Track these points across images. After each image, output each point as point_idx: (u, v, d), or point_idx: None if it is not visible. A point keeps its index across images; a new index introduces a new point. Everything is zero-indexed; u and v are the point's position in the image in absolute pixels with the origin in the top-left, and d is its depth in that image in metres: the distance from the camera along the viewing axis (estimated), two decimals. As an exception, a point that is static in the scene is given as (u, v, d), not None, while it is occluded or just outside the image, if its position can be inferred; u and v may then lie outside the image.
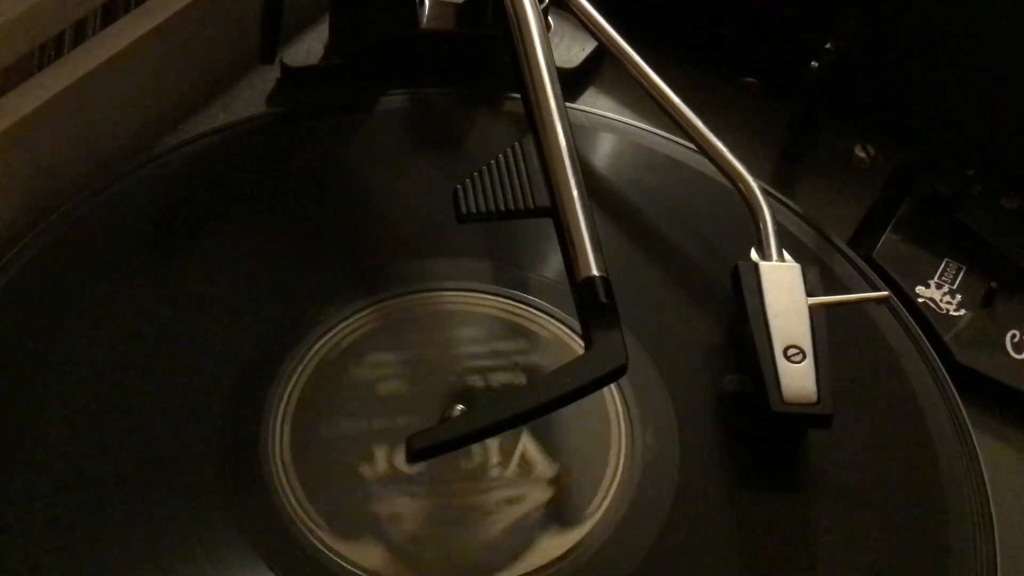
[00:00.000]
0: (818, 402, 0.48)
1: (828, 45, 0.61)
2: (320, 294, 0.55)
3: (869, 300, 0.54)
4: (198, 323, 0.53)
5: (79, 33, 0.62)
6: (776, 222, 0.55)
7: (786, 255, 0.54)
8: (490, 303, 0.55)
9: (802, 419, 0.49)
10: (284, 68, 0.67)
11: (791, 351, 0.49)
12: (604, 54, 0.67)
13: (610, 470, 0.49)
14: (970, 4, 0.62)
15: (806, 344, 0.50)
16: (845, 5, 0.61)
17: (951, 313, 0.57)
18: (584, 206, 0.49)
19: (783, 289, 0.52)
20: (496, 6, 0.57)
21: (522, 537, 0.47)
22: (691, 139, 0.59)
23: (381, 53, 0.67)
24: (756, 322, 0.51)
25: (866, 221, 0.62)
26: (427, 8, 0.68)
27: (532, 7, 0.55)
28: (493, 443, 0.50)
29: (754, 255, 0.54)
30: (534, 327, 0.55)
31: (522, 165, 0.50)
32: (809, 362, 0.49)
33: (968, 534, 0.48)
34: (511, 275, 0.56)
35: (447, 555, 0.47)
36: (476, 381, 0.52)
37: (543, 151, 0.50)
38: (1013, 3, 0.60)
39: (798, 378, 0.49)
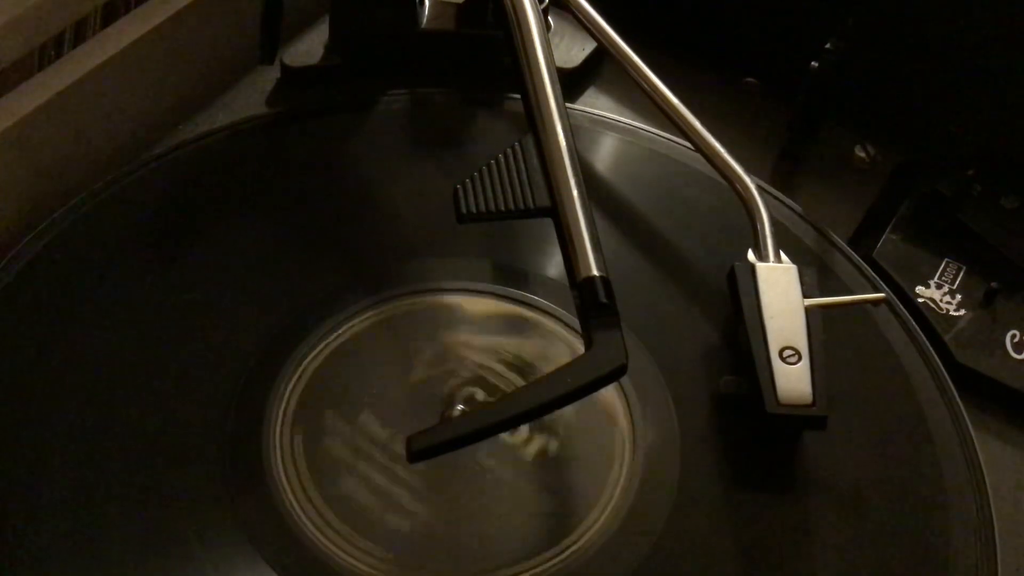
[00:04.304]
0: (813, 404, 0.48)
1: (828, 45, 0.61)
2: (320, 294, 0.55)
3: (865, 302, 0.53)
4: (198, 324, 0.53)
5: (79, 33, 0.62)
6: (773, 223, 0.55)
7: (783, 256, 0.54)
8: (490, 303, 0.55)
9: (797, 421, 0.49)
10: (284, 68, 0.67)
11: (787, 353, 0.49)
12: (604, 54, 0.67)
13: (610, 470, 0.49)
14: (970, 4, 0.62)
15: (802, 346, 0.50)
16: (845, 5, 0.61)
17: (951, 313, 0.57)
18: (584, 206, 0.49)
19: (779, 290, 0.52)
20: (496, 6, 0.57)
21: (523, 537, 0.47)
22: (689, 139, 0.59)
23: (381, 53, 0.67)
24: (752, 323, 0.51)
25: (866, 221, 0.62)
26: (427, 8, 0.68)
27: (532, 7, 0.55)
28: (493, 443, 0.50)
29: (751, 256, 0.54)
30: (534, 327, 0.55)
31: (522, 165, 0.50)
32: (804, 364, 0.49)
33: (968, 534, 0.48)
34: (511, 275, 0.56)
35: (447, 554, 0.47)
36: (476, 381, 0.52)
37: (543, 151, 0.50)
38: (1013, 3, 0.60)
39: (793, 380, 0.49)
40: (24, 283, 0.54)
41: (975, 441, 0.51)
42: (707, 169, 0.59)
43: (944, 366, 0.54)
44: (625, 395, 0.52)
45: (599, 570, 0.47)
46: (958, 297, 0.58)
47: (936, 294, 0.58)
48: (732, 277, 0.53)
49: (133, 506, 0.47)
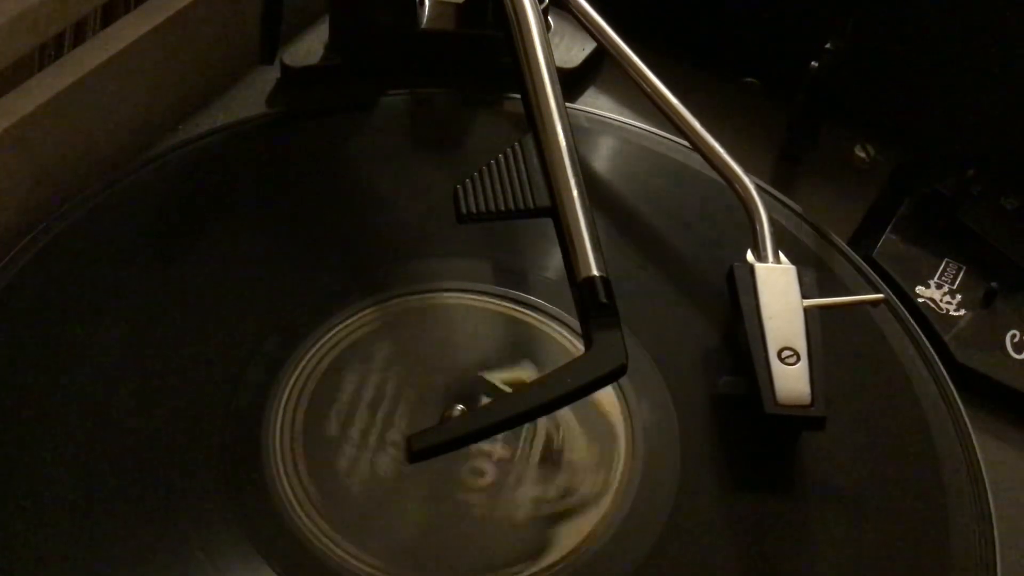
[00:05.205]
0: (811, 404, 0.48)
1: (828, 45, 0.61)
2: (320, 294, 0.55)
3: (864, 303, 0.53)
4: (198, 323, 0.53)
5: (79, 33, 0.62)
6: (772, 223, 0.55)
7: (782, 257, 0.54)
8: (490, 303, 0.55)
9: (795, 421, 0.49)
10: (284, 68, 0.67)
11: (785, 353, 0.49)
12: (604, 54, 0.67)
13: (609, 470, 0.49)
14: (970, 4, 0.62)
15: (800, 346, 0.50)
16: (845, 5, 0.61)
17: (951, 313, 0.57)
18: (584, 206, 0.49)
19: (778, 291, 0.52)
20: (496, 6, 0.57)
21: (523, 537, 0.47)
22: (688, 140, 0.59)
23: (381, 53, 0.67)
24: (751, 324, 0.51)
25: (866, 221, 0.62)
26: (427, 8, 0.68)
27: (532, 7, 0.55)
28: (494, 443, 0.50)
29: (750, 256, 0.54)
30: (534, 327, 0.55)
31: (522, 165, 0.50)
32: (803, 364, 0.49)
33: (968, 534, 0.48)
34: (511, 275, 0.56)
35: (447, 554, 0.47)
36: (476, 381, 0.52)
37: (543, 151, 0.50)
38: (1013, 3, 0.60)
39: (792, 380, 0.49)
40: (24, 283, 0.54)
41: (975, 441, 0.51)
42: (707, 169, 0.58)
43: (944, 366, 0.54)
44: (624, 395, 0.52)
45: (598, 570, 0.47)
46: (958, 297, 0.58)
47: (936, 294, 0.58)
48: (731, 277, 0.53)
49: (133, 506, 0.47)
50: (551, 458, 0.50)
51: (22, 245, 0.56)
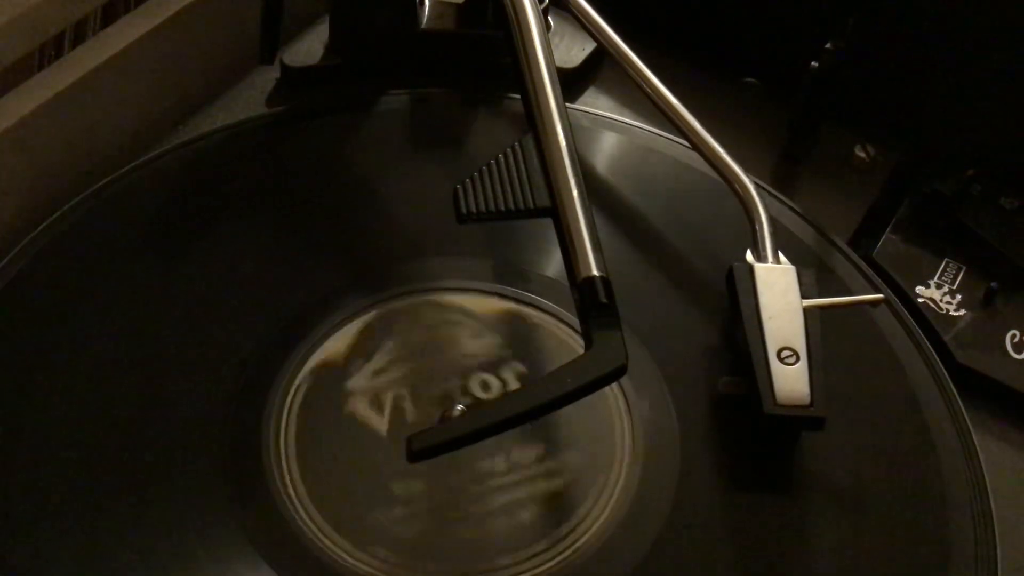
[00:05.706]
0: (811, 405, 0.48)
1: (828, 45, 0.61)
2: (320, 293, 0.55)
3: (864, 303, 0.53)
4: (198, 323, 0.53)
5: (79, 33, 0.62)
6: (772, 223, 0.55)
7: (782, 257, 0.54)
8: (490, 303, 0.55)
9: (795, 421, 0.49)
10: (284, 68, 0.67)
11: (785, 353, 0.49)
12: (604, 54, 0.67)
13: (610, 470, 0.49)
14: (970, 4, 0.62)
15: (800, 346, 0.50)
16: (845, 5, 0.61)
17: (951, 313, 0.57)
18: (584, 206, 0.49)
19: (778, 291, 0.52)
20: (496, 6, 0.57)
21: (524, 536, 0.47)
22: (688, 140, 0.59)
23: (381, 53, 0.67)
24: (750, 324, 0.51)
25: (866, 221, 0.62)
26: (427, 8, 0.68)
27: (532, 7, 0.55)
28: (495, 443, 0.50)
29: (749, 256, 0.54)
30: (534, 327, 0.55)
31: (522, 165, 0.50)
32: (803, 364, 0.49)
33: (968, 534, 0.48)
34: (511, 275, 0.56)
35: (448, 553, 0.47)
36: (476, 381, 0.52)
37: (543, 151, 0.50)
38: (1013, 3, 0.60)
39: (791, 380, 0.49)
40: (24, 283, 0.54)
41: (975, 441, 0.51)
42: (707, 169, 0.58)
43: (944, 366, 0.54)
44: (624, 395, 0.52)
45: (598, 569, 0.47)
46: (958, 297, 0.58)
47: (936, 294, 0.58)
48: (731, 278, 0.53)
49: (133, 506, 0.47)
50: (551, 458, 0.50)
51: (22, 245, 0.56)
